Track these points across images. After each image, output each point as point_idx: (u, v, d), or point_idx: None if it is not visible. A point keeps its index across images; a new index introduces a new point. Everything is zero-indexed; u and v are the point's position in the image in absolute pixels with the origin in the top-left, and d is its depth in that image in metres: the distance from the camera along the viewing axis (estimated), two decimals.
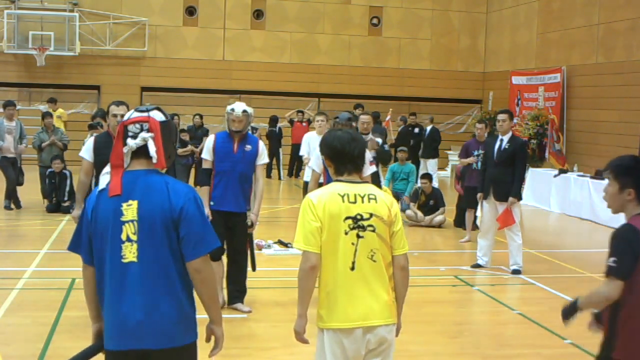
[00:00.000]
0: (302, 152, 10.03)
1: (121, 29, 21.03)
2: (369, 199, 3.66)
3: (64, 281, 8.01)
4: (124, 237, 3.15)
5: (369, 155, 7.35)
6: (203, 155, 7.16)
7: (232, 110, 6.89)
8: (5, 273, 8.36)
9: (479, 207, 9.43)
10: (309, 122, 19.02)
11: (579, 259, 10.40)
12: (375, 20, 22.52)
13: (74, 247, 3.35)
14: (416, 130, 17.71)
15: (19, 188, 12.97)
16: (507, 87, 20.36)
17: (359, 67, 22.27)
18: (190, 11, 21.57)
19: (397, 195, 13.04)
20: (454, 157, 18.82)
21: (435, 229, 12.31)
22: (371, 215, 3.62)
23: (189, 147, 15.45)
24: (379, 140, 9.67)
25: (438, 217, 12.49)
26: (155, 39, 21.28)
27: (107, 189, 3.21)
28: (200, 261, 3.18)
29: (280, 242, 10.24)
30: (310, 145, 9.91)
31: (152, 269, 3.15)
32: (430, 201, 12.64)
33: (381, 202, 3.68)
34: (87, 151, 6.65)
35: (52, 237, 10.20)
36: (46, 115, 13.24)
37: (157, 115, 3.30)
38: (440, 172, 19.49)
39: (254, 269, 7.15)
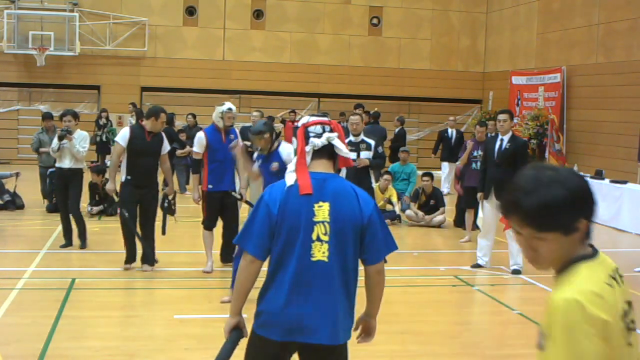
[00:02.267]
0: None
1: (121, 29, 21.03)
2: (620, 276, 2.14)
3: (64, 281, 8.01)
4: (314, 236, 3.24)
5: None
6: (195, 149, 8.55)
7: (230, 109, 8.43)
8: (5, 273, 8.36)
9: (480, 207, 9.43)
10: None
11: None
12: (375, 20, 22.52)
13: (242, 240, 3.35)
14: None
15: (19, 186, 13.01)
16: (507, 87, 20.37)
17: (359, 67, 22.27)
18: (190, 11, 21.57)
19: (398, 195, 13.05)
20: None
21: (435, 229, 12.30)
22: (630, 304, 2.12)
23: (187, 148, 15.45)
24: (372, 142, 9.43)
25: (438, 217, 12.49)
26: (155, 39, 21.28)
27: (297, 186, 3.29)
28: (382, 263, 3.39)
29: None
30: None
31: (338, 269, 3.27)
32: (430, 201, 12.64)
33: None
34: (122, 139, 8.31)
35: (52, 237, 10.19)
36: (46, 116, 13.09)
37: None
38: (440, 172, 19.50)
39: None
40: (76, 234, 9.79)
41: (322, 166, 3.38)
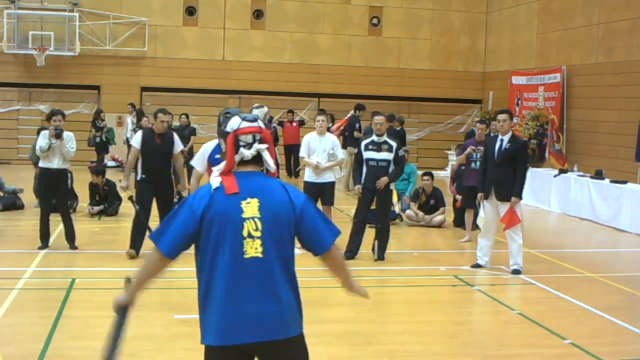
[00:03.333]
0: (302, 153, 9.96)
1: (121, 29, 21.02)
2: None
3: (64, 281, 8.01)
4: (245, 233, 3.22)
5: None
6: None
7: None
8: (5, 273, 8.36)
9: (481, 207, 9.41)
10: (300, 122, 18.88)
11: (579, 259, 10.40)
12: (375, 20, 22.51)
13: (156, 237, 3.30)
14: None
15: (18, 187, 13.02)
16: (507, 87, 20.36)
17: (359, 67, 22.26)
18: (190, 11, 21.56)
19: (398, 195, 13.04)
20: (453, 157, 18.81)
21: (435, 229, 12.30)
22: None
23: None
24: (394, 144, 9.50)
25: (438, 217, 12.48)
26: (155, 39, 21.27)
27: (222, 187, 3.27)
28: (334, 249, 3.44)
29: None
30: (310, 146, 9.88)
31: (276, 263, 3.25)
32: (430, 201, 12.63)
33: None
34: (137, 142, 9.23)
35: (52, 237, 10.18)
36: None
37: (262, 125, 3.42)
38: (440, 172, 19.51)
39: None
40: (63, 235, 9.76)
41: (250, 168, 3.38)
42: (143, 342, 6.15)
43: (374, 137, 9.56)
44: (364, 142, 9.66)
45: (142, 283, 3.39)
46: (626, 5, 16.18)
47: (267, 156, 3.36)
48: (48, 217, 9.62)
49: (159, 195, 9.25)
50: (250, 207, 3.24)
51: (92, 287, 8.03)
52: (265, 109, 9.13)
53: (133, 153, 9.30)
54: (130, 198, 9.13)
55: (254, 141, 3.34)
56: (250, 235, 3.22)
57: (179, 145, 9.39)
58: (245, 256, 3.21)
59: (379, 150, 9.49)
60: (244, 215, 3.23)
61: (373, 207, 9.68)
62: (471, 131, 16.66)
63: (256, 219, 3.23)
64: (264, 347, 3.25)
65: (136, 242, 9.23)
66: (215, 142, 7.02)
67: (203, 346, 3.35)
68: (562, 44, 18.51)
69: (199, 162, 7.15)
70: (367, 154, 9.52)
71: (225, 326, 3.21)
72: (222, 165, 3.35)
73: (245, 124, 3.36)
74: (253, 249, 3.21)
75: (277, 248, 3.26)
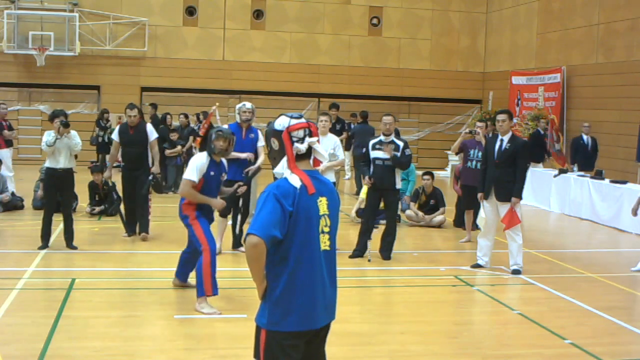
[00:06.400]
0: None
1: (121, 29, 21.03)
2: None
3: (64, 281, 8.01)
4: (320, 229, 3.61)
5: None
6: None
7: (244, 105, 9.67)
8: (5, 273, 8.35)
9: (481, 207, 9.40)
10: None
11: (579, 259, 10.40)
12: (375, 20, 22.52)
13: (253, 227, 3.43)
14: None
15: (18, 187, 12.98)
16: (507, 87, 20.37)
17: (359, 67, 22.27)
18: (190, 11, 21.57)
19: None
20: (453, 157, 18.81)
21: (435, 229, 12.30)
22: None
23: (178, 147, 15.43)
24: (400, 144, 9.54)
25: (438, 217, 12.48)
26: (155, 39, 21.28)
27: (307, 187, 3.57)
28: None
29: None
30: None
31: (334, 255, 3.74)
32: (430, 201, 12.63)
33: None
34: (115, 135, 10.45)
35: (52, 237, 10.18)
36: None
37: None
38: (440, 172, 19.50)
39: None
40: (62, 235, 9.75)
41: (306, 165, 3.69)
42: (143, 342, 6.16)
43: (382, 137, 9.61)
44: (371, 142, 9.71)
45: (258, 275, 3.57)
46: (626, 6, 16.19)
47: (318, 148, 3.68)
48: (51, 217, 9.61)
49: (137, 181, 10.24)
50: (322, 205, 3.62)
51: (92, 287, 8.03)
52: (241, 104, 9.75)
53: (114, 145, 10.51)
54: (112, 184, 11.05)
55: (305, 136, 3.64)
56: (323, 231, 3.61)
57: (152, 134, 10.36)
58: (320, 249, 3.60)
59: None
60: (320, 213, 3.61)
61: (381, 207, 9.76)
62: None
63: (326, 216, 3.63)
64: (324, 328, 3.71)
65: (128, 224, 10.54)
66: (205, 156, 7.26)
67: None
68: (562, 44, 18.52)
69: (195, 175, 7.11)
70: (374, 154, 9.56)
71: (307, 313, 3.57)
72: (285, 161, 3.65)
73: (294, 121, 3.66)
74: (323, 242, 3.61)
75: (334, 241, 3.71)
